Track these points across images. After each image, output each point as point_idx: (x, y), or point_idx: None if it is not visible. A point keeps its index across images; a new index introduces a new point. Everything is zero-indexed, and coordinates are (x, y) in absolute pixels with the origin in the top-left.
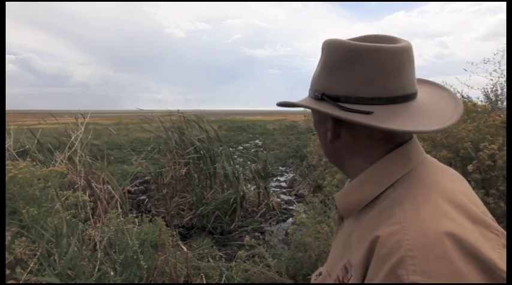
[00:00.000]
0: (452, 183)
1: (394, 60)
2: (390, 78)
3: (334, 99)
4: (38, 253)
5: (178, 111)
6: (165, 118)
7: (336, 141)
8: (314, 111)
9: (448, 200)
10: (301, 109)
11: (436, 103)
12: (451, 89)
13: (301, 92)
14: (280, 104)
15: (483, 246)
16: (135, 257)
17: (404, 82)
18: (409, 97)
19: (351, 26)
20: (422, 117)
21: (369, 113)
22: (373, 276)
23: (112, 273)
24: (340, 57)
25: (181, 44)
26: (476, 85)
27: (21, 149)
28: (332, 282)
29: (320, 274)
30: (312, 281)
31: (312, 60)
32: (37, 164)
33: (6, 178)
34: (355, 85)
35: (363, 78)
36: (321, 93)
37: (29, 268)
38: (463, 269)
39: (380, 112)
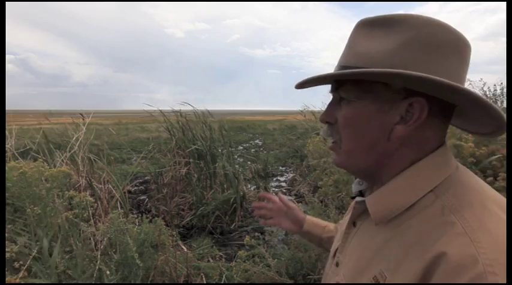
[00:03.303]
0: (491, 188)
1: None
2: (465, 77)
3: None
4: (34, 252)
5: (180, 112)
6: (168, 117)
7: (403, 135)
8: (370, 96)
9: (499, 206)
10: (301, 108)
11: None
12: None
13: (301, 92)
14: (309, 81)
15: None
16: (135, 257)
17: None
18: None
19: (350, 26)
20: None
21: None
22: None
23: (108, 272)
24: (443, 39)
25: (180, 44)
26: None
27: (21, 150)
28: None
29: (337, 284)
30: None
31: (311, 60)
32: (46, 164)
33: (16, 175)
34: (451, 75)
35: (459, 71)
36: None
37: (25, 267)
38: None
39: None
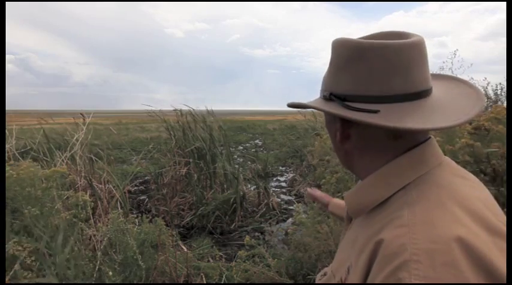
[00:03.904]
0: (472, 189)
1: (401, 56)
2: (398, 75)
3: (342, 99)
4: (39, 250)
5: (180, 111)
6: (169, 117)
7: (345, 141)
8: (324, 112)
9: (463, 207)
10: (301, 109)
11: (453, 99)
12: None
13: (300, 92)
14: (291, 105)
15: (496, 258)
16: (135, 257)
17: (415, 78)
18: (421, 94)
19: (350, 25)
20: (436, 114)
21: (375, 112)
22: (374, 277)
23: (110, 273)
24: (346, 56)
25: (180, 44)
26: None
27: (22, 150)
28: (335, 283)
29: (325, 274)
30: (317, 281)
31: (311, 60)
32: (41, 164)
33: (8, 178)
34: (362, 84)
35: (369, 76)
36: (329, 93)
37: (28, 267)
38: (472, 279)
39: (387, 110)
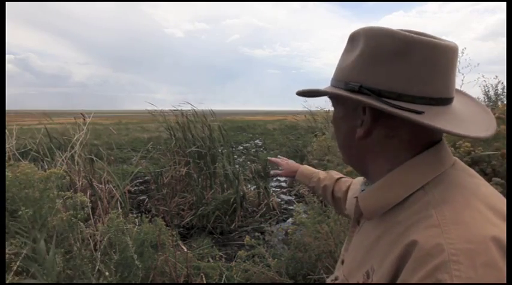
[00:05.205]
0: (486, 187)
1: (445, 58)
2: (439, 77)
3: (376, 93)
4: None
5: (181, 112)
6: (169, 117)
7: (366, 138)
8: (340, 104)
9: (487, 205)
10: (302, 108)
11: (470, 110)
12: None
13: None
14: (303, 92)
15: None
16: (134, 257)
17: (450, 83)
18: (451, 100)
19: (350, 25)
20: (464, 122)
21: (420, 113)
22: (406, 278)
23: (107, 273)
24: (388, 48)
25: (180, 44)
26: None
27: (23, 150)
28: None
29: (336, 279)
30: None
31: (311, 60)
32: (41, 164)
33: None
34: (402, 81)
35: (413, 74)
36: (358, 85)
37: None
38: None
39: (428, 112)
